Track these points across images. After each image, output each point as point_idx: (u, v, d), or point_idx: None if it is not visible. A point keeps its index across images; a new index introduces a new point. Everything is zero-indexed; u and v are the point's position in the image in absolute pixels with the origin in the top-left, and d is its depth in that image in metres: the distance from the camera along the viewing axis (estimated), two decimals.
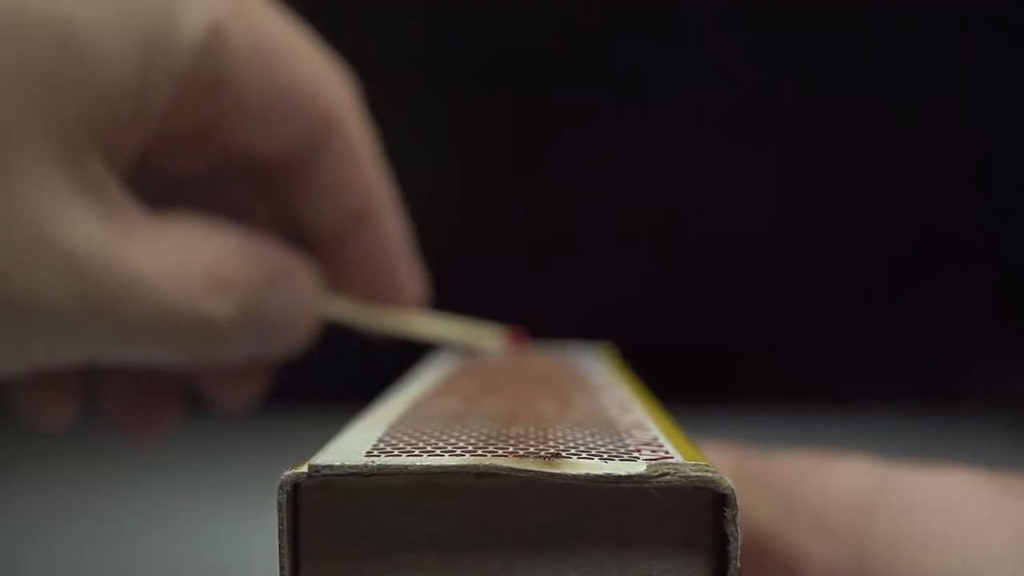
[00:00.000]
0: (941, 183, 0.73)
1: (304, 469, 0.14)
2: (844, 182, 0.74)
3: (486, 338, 0.30)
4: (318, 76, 0.25)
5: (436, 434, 0.16)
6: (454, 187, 0.75)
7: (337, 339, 0.29)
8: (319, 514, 0.14)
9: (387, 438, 0.15)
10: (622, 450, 0.15)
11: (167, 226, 0.23)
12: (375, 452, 0.14)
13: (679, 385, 0.51)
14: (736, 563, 0.14)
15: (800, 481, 0.23)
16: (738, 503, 0.13)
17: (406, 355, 0.30)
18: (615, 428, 0.16)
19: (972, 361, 0.72)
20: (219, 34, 0.22)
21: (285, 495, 0.14)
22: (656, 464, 0.14)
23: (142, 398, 0.28)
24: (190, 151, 0.26)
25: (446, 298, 0.33)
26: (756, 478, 0.24)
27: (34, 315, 0.20)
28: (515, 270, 0.75)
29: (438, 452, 0.14)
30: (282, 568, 0.14)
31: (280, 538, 0.14)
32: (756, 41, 0.74)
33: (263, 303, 0.24)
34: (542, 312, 0.56)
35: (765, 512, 0.23)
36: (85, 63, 0.20)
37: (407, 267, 0.29)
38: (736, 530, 0.13)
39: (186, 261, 0.22)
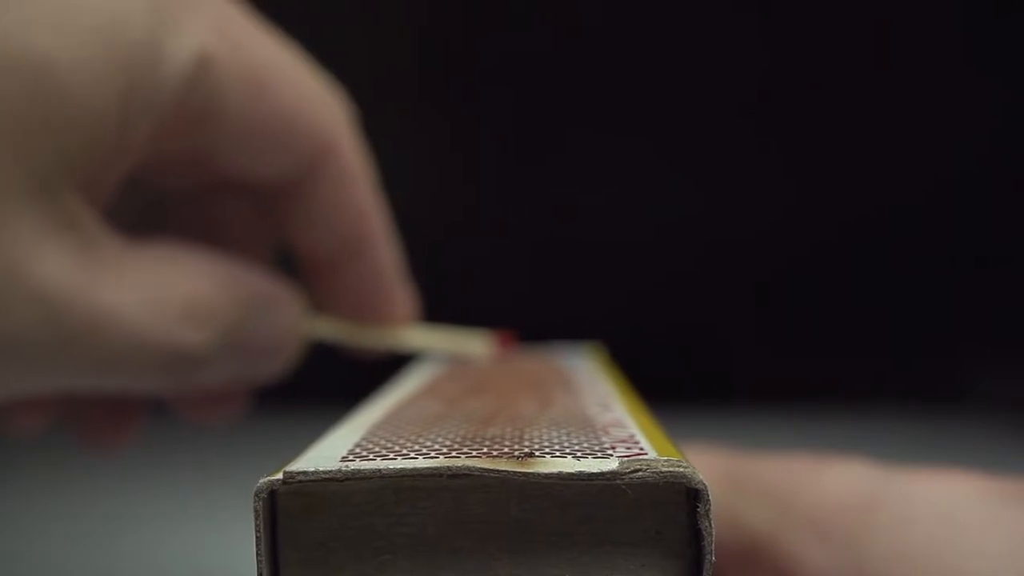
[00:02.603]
0: (942, 183, 0.74)
1: (279, 476, 0.14)
2: (844, 182, 0.74)
3: (474, 345, 0.30)
4: (311, 102, 0.25)
5: (413, 437, 0.16)
6: (454, 187, 0.75)
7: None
8: (297, 520, 0.14)
9: (364, 442, 0.16)
10: (596, 448, 0.15)
11: (144, 256, 0.23)
12: (350, 457, 0.14)
13: (679, 385, 0.51)
14: (711, 558, 0.14)
15: (796, 486, 0.23)
16: (711, 498, 0.13)
17: (402, 355, 0.30)
18: (592, 426, 0.16)
19: (972, 361, 0.72)
20: (206, 65, 0.22)
21: (261, 502, 0.14)
22: (629, 461, 0.14)
23: (104, 411, 0.27)
24: (180, 173, 0.26)
25: (446, 299, 0.33)
26: (750, 482, 0.24)
27: (6, 350, 0.20)
28: (514, 270, 0.75)
29: (412, 455, 0.14)
30: (260, 575, 0.14)
31: (257, 545, 0.14)
32: (755, 42, 0.74)
33: (243, 330, 0.24)
34: (541, 312, 0.56)
35: (759, 517, 0.23)
36: (62, 100, 0.20)
37: (399, 293, 0.29)
38: (710, 525, 0.13)
39: (162, 293, 0.22)
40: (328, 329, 0.28)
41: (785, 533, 0.23)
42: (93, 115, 0.21)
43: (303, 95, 0.25)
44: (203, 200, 0.28)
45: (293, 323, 0.26)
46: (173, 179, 0.26)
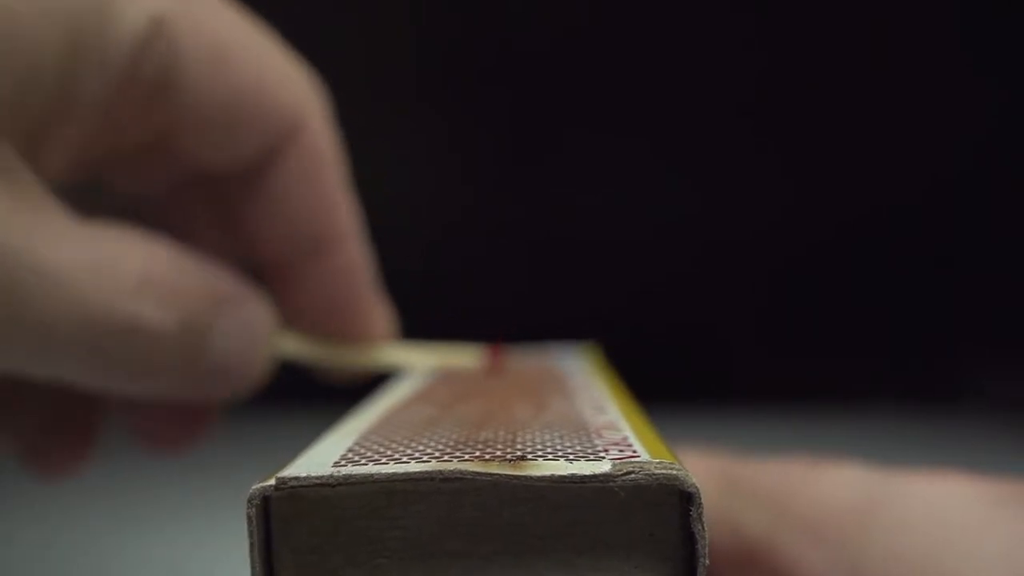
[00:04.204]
0: (940, 183, 0.74)
1: (272, 482, 0.14)
2: (842, 183, 0.74)
3: (461, 361, 0.27)
4: (279, 79, 0.23)
5: (405, 441, 0.16)
6: (452, 187, 0.75)
7: None
8: (291, 526, 0.14)
9: (357, 447, 0.16)
10: (589, 450, 0.15)
11: (100, 231, 0.21)
12: (343, 462, 0.14)
13: (678, 386, 0.51)
14: (704, 561, 0.13)
15: (792, 489, 0.23)
16: (703, 500, 0.13)
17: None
18: (586, 429, 0.16)
19: (970, 361, 0.72)
20: (162, 30, 0.21)
21: (255, 508, 0.14)
22: (621, 463, 0.14)
23: (51, 433, 0.25)
24: (145, 166, 0.24)
25: (444, 299, 0.33)
26: (746, 484, 0.24)
27: None
28: (512, 270, 0.75)
29: (405, 459, 0.14)
30: None
31: (251, 551, 0.14)
32: (753, 42, 0.74)
33: (209, 327, 0.22)
34: (540, 312, 0.56)
35: (756, 520, 0.23)
36: None
37: (369, 302, 0.26)
38: (702, 528, 0.13)
39: (115, 261, 0.20)
40: (297, 346, 0.25)
41: (782, 535, 0.23)
42: (30, 59, 0.19)
43: (269, 70, 0.23)
44: (169, 205, 0.26)
45: (262, 329, 0.24)
46: (138, 176, 0.25)
